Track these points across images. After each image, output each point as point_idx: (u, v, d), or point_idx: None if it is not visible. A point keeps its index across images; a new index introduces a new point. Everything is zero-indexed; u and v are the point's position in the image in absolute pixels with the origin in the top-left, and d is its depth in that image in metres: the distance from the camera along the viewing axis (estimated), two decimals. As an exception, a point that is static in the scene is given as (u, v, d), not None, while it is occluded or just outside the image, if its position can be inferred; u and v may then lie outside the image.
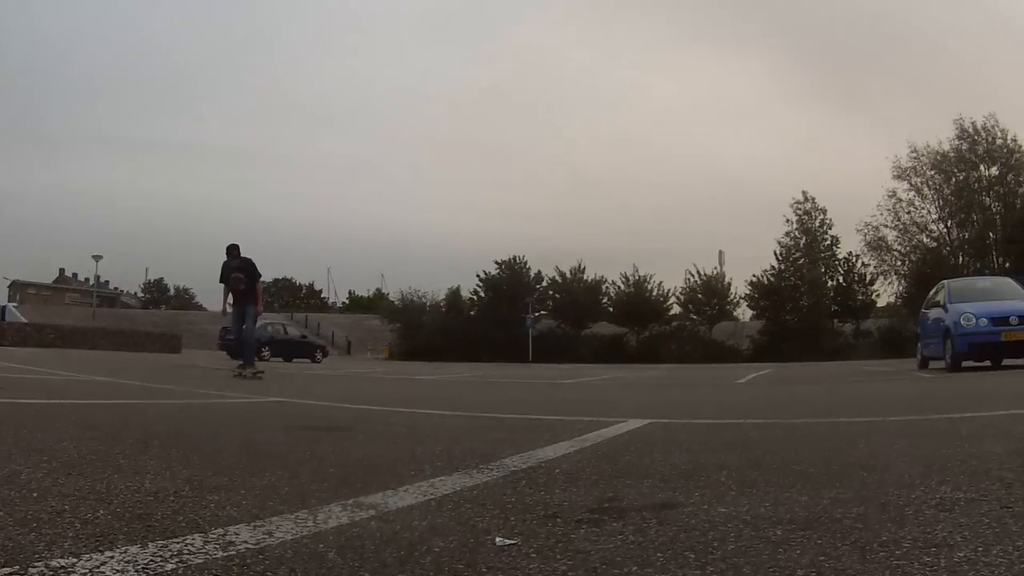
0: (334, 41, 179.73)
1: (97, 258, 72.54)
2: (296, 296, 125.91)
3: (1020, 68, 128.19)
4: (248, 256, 15.18)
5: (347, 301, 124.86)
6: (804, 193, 74.89)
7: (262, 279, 15.79)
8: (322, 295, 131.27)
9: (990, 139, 73.28)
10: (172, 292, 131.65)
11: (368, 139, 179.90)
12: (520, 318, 64.35)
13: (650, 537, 2.37)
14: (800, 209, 73.91)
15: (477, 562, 2.09)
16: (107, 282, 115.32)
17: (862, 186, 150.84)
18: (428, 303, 72.42)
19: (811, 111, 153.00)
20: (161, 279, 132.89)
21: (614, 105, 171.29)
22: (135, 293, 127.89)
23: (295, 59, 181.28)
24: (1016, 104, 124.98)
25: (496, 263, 71.26)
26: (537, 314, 67.17)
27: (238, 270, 14.80)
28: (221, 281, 15.18)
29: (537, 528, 2.49)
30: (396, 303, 74.78)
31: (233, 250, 15.18)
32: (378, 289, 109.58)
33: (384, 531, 2.43)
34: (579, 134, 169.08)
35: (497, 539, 2.34)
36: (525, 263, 71.14)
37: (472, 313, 69.56)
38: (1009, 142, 72.44)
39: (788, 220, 73.94)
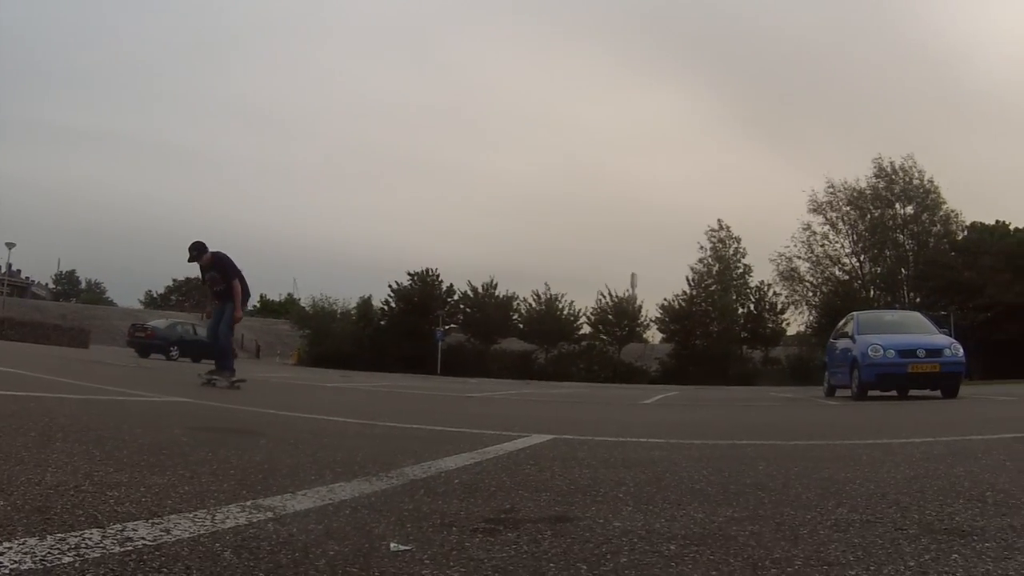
0: (276, 46, 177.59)
1: (10, 245, 70.42)
2: (206, 297, 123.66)
3: (939, 111, 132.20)
4: (220, 251, 13.51)
5: (258, 304, 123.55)
6: (719, 221, 76.49)
7: (237, 278, 13.34)
8: None
9: (907, 179, 75.61)
10: (84, 285, 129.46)
11: (290, 145, 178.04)
12: (430, 330, 64.48)
13: (544, 548, 2.40)
14: (714, 237, 75.45)
15: (370, 566, 2.11)
16: (19, 271, 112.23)
17: (777, 218, 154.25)
18: (339, 311, 72.23)
19: (730, 143, 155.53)
20: (73, 271, 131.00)
21: (539, 126, 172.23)
22: (46, 284, 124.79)
23: (231, 61, 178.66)
24: (934, 147, 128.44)
25: (409, 274, 71.32)
26: (447, 327, 67.35)
27: (211, 269, 13.23)
28: (203, 283, 14.00)
29: (432, 536, 2.51)
30: (307, 309, 74.59)
31: (195, 249, 13.21)
32: (290, 294, 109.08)
33: (280, 533, 2.45)
34: (502, 153, 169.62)
35: (392, 545, 2.35)
36: (437, 276, 71.30)
37: (382, 323, 69.44)
38: (926, 183, 74.92)
39: (702, 247, 75.42)
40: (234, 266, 13.36)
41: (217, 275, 13.19)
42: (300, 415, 8.05)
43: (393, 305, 70.49)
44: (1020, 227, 73.40)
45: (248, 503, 2.89)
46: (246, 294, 13.63)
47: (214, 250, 13.29)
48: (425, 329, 65.68)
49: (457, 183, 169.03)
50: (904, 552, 2.43)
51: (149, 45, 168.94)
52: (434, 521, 2.74)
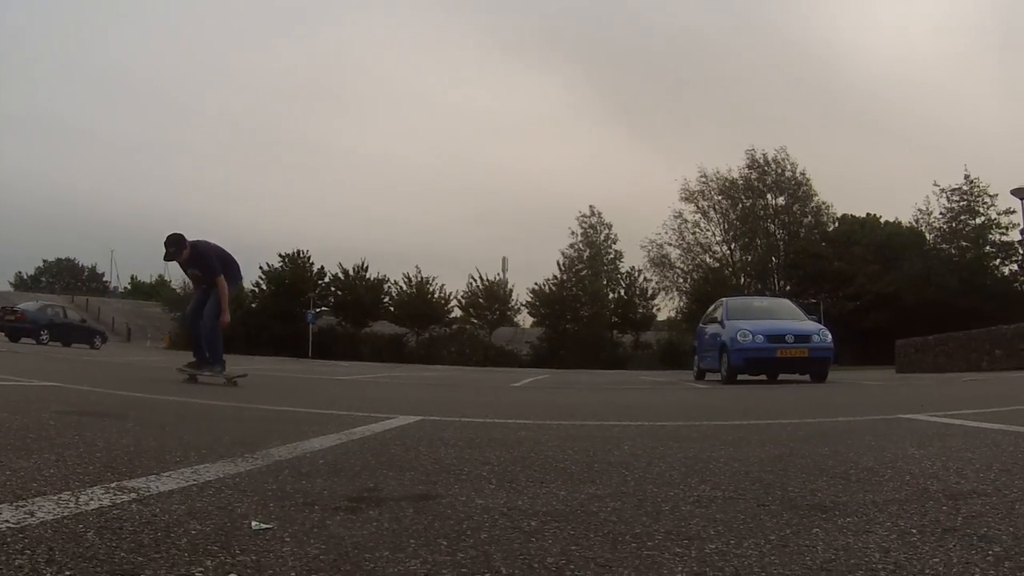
0: (152, 20, 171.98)
1: None
2: (78, 278, 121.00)
3: (812, 108, 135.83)
4: (201, 241, 11.79)
5: (129, 286, 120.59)
6: (591, 207, 77.73)
7: (223, 274, 11.58)
8: (104, 279, 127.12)
9: (779, 171, 77.61)
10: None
11: (163, 122, 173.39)
12: (301, 313, 63.92)
13: (405, 525, 2.42)
14: (586, 223, 76.54)
15: (231, 544, 2.12)
16: None
17: (649, 206, 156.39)
18: None
19: (603, 132, 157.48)
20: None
21: (411, 108, 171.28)
22: None
23: (102, 31, 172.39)
24: (806, 142, 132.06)
25: (280, 256, 70.61)
26: (318, 310, 66.83)
27: (192, 266, 11.51)
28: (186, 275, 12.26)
29: (294, 514, 2.53)
30: (178, 291, 73.02)
31: (172, 245, 11.39)
32: (161, 275, 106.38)
33: (144, 513, 2.45)
34: (374, 134, 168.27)
35: (253, 523, 2.37)
36: (308, 258, 70.73)
37: (253, 306, 68.49)
38: (798, 175, 76.96)
39: (573, 232, 76.29)
40: (217, 259, 11.62)
41: (199, 273, 11.57)
42: (168, 398, 7.97)
43: (264, 287, 69.71)
44: (890, 220, 75.90)
45: (113, 485, 2.88)
46: (234, 281, 11.99)
47: (193, 240, 11.63)
48: (296, 312, 65.17)
49: (328, 164, 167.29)
50: (765, 526, 2.48)
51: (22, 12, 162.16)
52: (297, 500, 2.76)
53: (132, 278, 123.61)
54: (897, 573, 1.95)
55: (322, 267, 70.90)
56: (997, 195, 66.79)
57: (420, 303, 68.36)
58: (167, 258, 11.43)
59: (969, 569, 1.97)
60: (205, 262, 11.43)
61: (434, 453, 4.18)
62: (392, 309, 70.54)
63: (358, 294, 68.89)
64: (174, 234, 11.45)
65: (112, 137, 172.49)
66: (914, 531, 2.39)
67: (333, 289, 70.78)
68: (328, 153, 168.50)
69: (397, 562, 2.01)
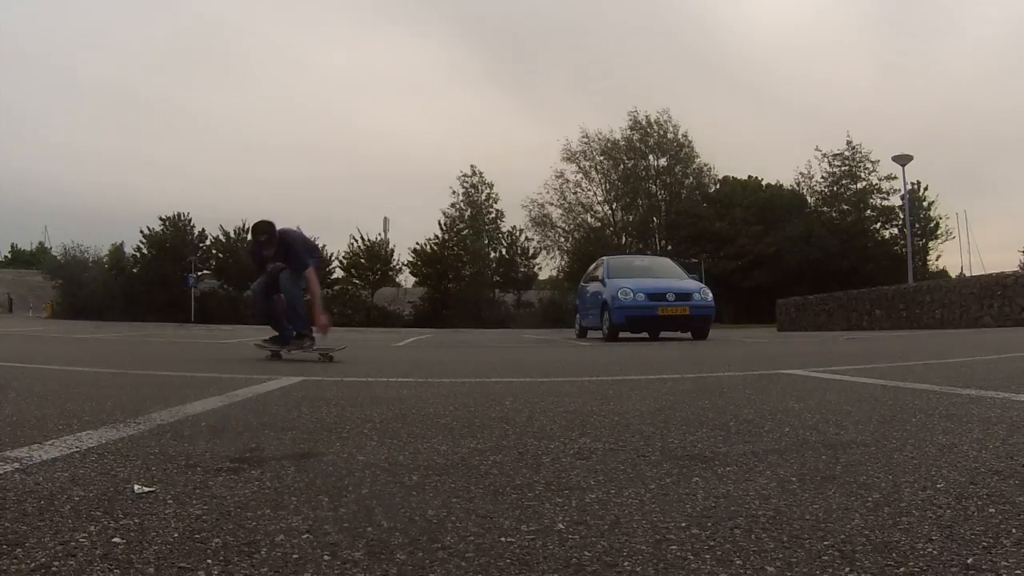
0: None
1: None
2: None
3: (694, 71, 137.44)
4: (288, 229, 10.57)
5: (8, 255, 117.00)
6: (472, 167, 77.79)
7: (312, 266, 10.37)
8: None
9: (662, 132, 78.53)
10: None
11: (29, 86, 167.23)
12: (183, 277, 62.98)
13: (287, 483, 2.45)
14: (467, 182, 76.70)
15: (115, 509, 2.11)
16: None
17: (530, 167, 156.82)
18: (91, 259, 69.69)
19: (482, 92, 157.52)
20: None
21: (292, 72, 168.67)
22: None
23: None
24: (689, 104, 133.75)
25: (160, 219, 69.39)
26: (200, 274, 65.99)
27: (278, 258, 10.16)
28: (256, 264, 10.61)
29: (177, 477, 2.54)
30: (59, 258, 71.47)
31: (264, 233, 10.10)
32: (41, 243, 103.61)
33: (27, 483, 2.44)
34: (255, 98, 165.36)
35: (136, 487, 2.37)
36: (190, 220, 69.79)
37: (135, 271, 67.33)
38: (680, 137, 77.98)
39: (454, 192, 76.32)
40: (305, 249, 10.44)
41: (283, 264, 10.18)
42: (49, 367, 7.87)
43: (145, 252, 68.50)
44: (772, 183, 77.39)
45: None
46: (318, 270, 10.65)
47: (280, 228, 10.38)
48: (178, 276, 64.69)
49: (207, 127, 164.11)
50: (645, 476, 2.51)
51: None
52: (179, 463, 2.76)
53: (12, 246, 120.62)
54: (777, 519, 1.98)
55: (203, 230, 70.24)
56: (879, 161, 68.80)
57: (301, 264, 67.68)
58: (258, 249, 10.30)
59: (849, 515, 2.00)
60: (295, 253, 10.23)
61: (315, 412, 4.19)
62: (274, 271, 69.78)
63: (239, 257, 68.08)
64: (266, 222, 10.21)
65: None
66: (794, 479, 2.43)
67: (215, 252, 69.99)
68: (206, 117, 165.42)
69: (279, 519, 2.01)
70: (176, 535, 1.86)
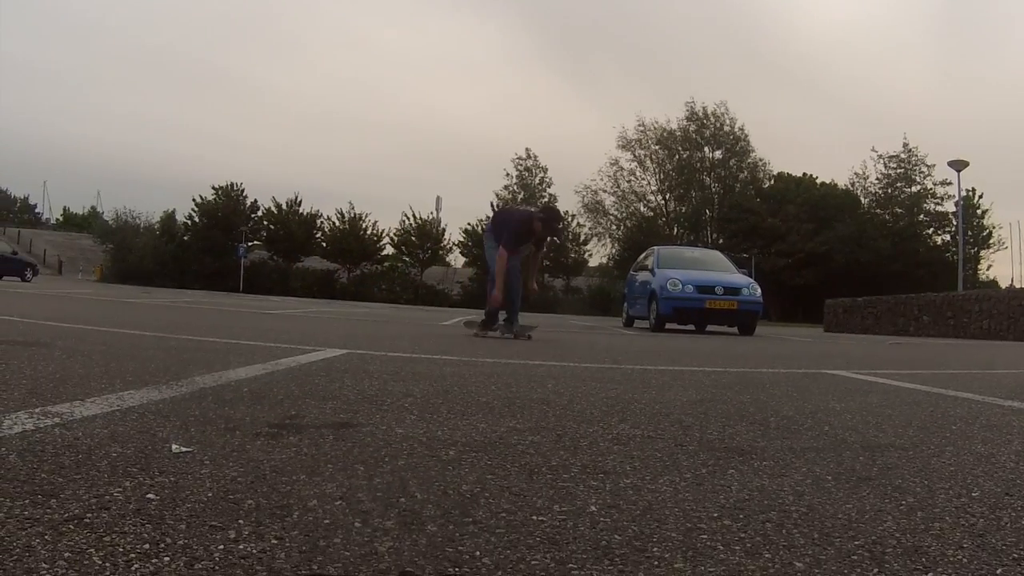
0: None
1: None
2: (9, 210, 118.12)
3: (755, 66, 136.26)
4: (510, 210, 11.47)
5: (61, 218, 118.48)
6: (527, 150, 77.89)
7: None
8: (36, 210, 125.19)
9: (718, 124, 78.18)
10: None
11: (92, 54, 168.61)
12: (233, 247, 63.65)
13: (324, 451, 2.45)
14: (521, 165, 76.57)
15: (151, 466, 2.12)
16: None
17: (585, 152, 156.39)
18: (142, 225, 70.29)
19: (540, 76, 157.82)
20: None
21: (350, 48, 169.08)
22: None
23: None
24: (745, 98, 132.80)
25: (213, 189, 69.95)
26: (250, 244, 66.46)
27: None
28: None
29: (215, 439, 2.54)
30: (111, 223, 72.18)
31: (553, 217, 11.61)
32: (93, 207, 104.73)
33: (66, 437, 2.44)
34: (312, 72, 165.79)
35: (173, 447, 2.38)
36: (242, 191, 70.25)
37: (186, 238, 67.88)
38: (736, 130, 77.53)
39: (508, 174, 76.41)
40: (506, 230, 11.08)
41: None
42: (97, 328, 7.92)
43: (197, 220, 69.05)
44: (826, 181, 76.72)
45: (37, 410, 2.86)
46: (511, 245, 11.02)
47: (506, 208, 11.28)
48: (228, 246, 65.06)
49: (263, 99, 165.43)
50: (681, 465, 2.50)
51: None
52: (218, 426, 2.76)
53: (64, 210, 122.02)
54: (810, 515, 1.97)
55: (255, 200, 70.67)
56: (935, 165, 68.19)
57: (352, 239, 68.28)
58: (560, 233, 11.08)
59: (881, 516, 1.98)
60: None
61: (358, 384, 4.20)
62: (324, 245, 70.48)
63: (290, 229, 68.66)
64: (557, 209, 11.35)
65: (44, 68, 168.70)
66: (829, 478, 2.41)
67: (266, 223, 70.51)
68: (265, 90, 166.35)
69: (313, 485, 2.02)
70: (210, 495, 1.87)
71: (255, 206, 70.38)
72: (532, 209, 11.90)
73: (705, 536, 1.76)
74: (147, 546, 1.49)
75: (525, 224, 11.02)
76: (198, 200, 69.44)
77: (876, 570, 1.58)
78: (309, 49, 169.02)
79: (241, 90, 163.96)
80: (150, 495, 1.85)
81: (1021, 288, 37.16)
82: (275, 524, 1.68)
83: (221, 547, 1.52)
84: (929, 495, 2.25)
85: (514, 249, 10.92)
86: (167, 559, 1.43)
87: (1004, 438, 3.38)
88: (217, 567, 1.41)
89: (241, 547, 1.52)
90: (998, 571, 1.61)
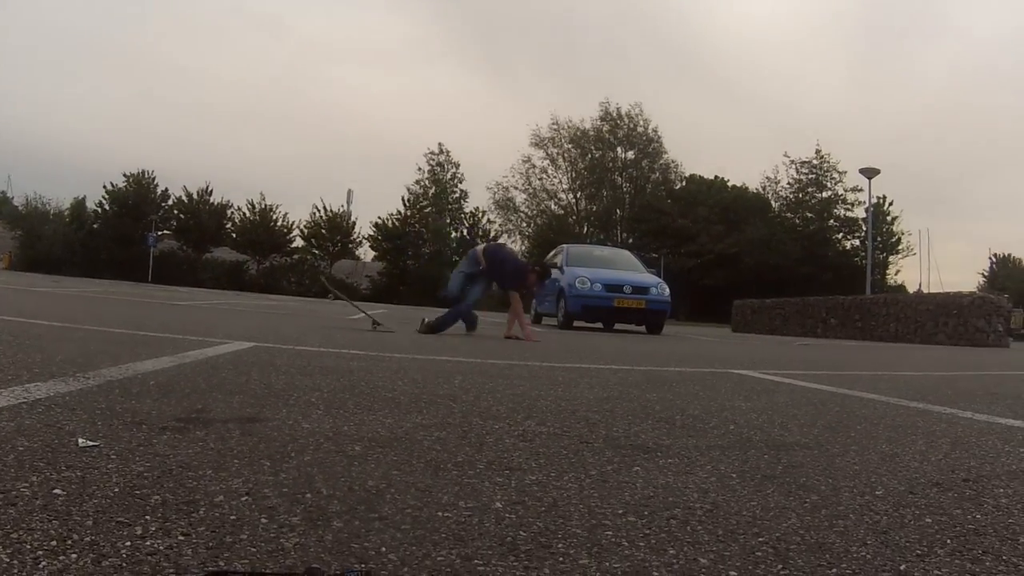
0: None
1: None
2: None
3: (670, 69, 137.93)
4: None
5: None
6: (440, 145, 77.68)
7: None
8: None
9: (632, 125, 79.10)
10: None
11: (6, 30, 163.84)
12: (143, 236, 62.72)
13: (230, 445, 2.45)
14: (434, 160, 76.63)
15: (58, 461, 2.11)
16: None
17: (499, 149, 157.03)
18: (52, 212, 69.01)
19: (457, 73, 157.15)
20: None
21: (258, 36, 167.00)
22: None
23: None
24: (660, 101, 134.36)
25: (124, 176, 68.84)
26: (160, 233, 65.62)
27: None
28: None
29: (122, 433, 2.52)
30: (20, 209, 70.70)
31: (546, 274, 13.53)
32: (3, 192, 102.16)
33: None
34: (224, 60, 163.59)
35: (80, 441, 2.36)
36: (154, 179, 69.25)
37: (96, 226, 66.70)
38: (650, 131, 78.44)
39: (420, 168, 76.28)
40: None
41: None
42: (1, 318, 7.78)
43: (107, 207, 67.88)
44: (737, 185, 77.93)
45: None
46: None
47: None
48: (138, 235, 64.27)
49: (176, 86, 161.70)
50: (587, 462, 2.51)
51: None
52: (125, 419, 2.74)
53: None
54: (714, 512, 1.98)
55: (166, 189, 69.84)
56: (846, 172, 69.60)
57: (262, 231, 68.05)
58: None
59: (786, 514, 2.01)
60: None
61: (265, 378, 4.19)
62: (234, 236, 69.93)
63: (201, 219, 68.11)
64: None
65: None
66: (734, 476, 2.44)
67: (176, 212, 69.65)
68: (178, 77, 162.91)
69: (220, 480, 2.01)
70: (117, 490, 1.85)
71: (166, 195, 69.69)
72: (526, 260, 13.71)
73: (610, 532, 1.77)
74: (54, 543, 1.47)
75: (521, 273, 12.47)
76: (109, 187, 68.39)
77: (780, 567, 1.60)
78: (225, 36, 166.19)
79: (153, 75, 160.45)
80: (57, 490, 1.82)
81: (929, 293, 38.05)
82: (182, 520, 1.67)
83: (128, 543, 1.50)
84: (833, 493, 2.28)
85: (510, 287, 12.35)
86: (74, 556, 1.41)
87: (908, 438, 3.45)
88: (124, 564, 1.40)
89: (148, 543, 1.51)
90: (901, 567, 1.64)
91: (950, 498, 2.31)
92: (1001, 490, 2.46)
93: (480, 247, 12.97)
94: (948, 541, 1.85)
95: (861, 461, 2.81)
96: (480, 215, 75.18)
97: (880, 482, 2.47)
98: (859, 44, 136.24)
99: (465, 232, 72.97)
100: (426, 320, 11.96)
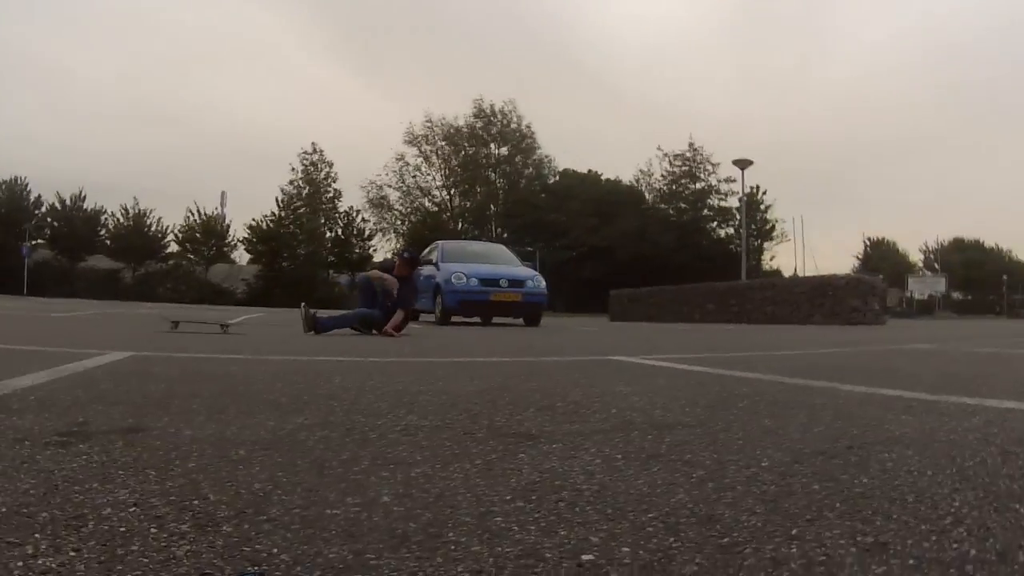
0: None
1: None
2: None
3: (544, 64, 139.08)
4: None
5: None
6: (313, 144, 77.58)
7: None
8: None
9: (505, 122, 79.55)
10: None
11: None
12: (16, 246, 60.69)
13: (114, 457, 2.41)
14: (307, 160, 76.45)
15: None
16: None
17: (373, 148, 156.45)
18: None
19: (330, 69, 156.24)
20: None
21: (130, 33, 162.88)
22: None
23: None
24: (534, 97, 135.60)
25: (-5, 181, 66.45)
26: (34, 243, 63.89)
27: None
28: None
29: (5, 450, 2.48)
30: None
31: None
32: None
33: None
34: (94, 56, 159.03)
35: None
36: (27, 186, 67.23)
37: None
38: (523, 128, 79.08)
39: (294, 169, 75.86)
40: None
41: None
42: None
43: (-24, 217, 65.69)
44: (611, 178, 78.99)
45: None
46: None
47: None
48: (11, 245, 62.15)
49: (44, 83, 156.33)
50: (471, 452, 2.51)
51: None
52: (7, 436, 2.69)
53: None
54: (602, 493, 1.99)
55: (39, 196, 68.04)
56: (719, 164, 71.46)
57: (136, 237, 67.31)
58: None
59: (673, 489, 2.03)
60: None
61: (144, 387, 4.12)
62: (108, 243, 68.67)
63: (75, 226, 66.73)
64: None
65: None
66: (619, 456, 2.46)
67: (49, 220, 67.97)
68: (47, 74, 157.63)
69: (107, 492, 1.97)
70: (3, 509, 1.80)
71: (39, 202, 67.95)
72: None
73: (499, 519, 1.77)
74: (-59, 567, 1.42)
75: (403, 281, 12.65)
76: (-23, 196, 66.24)
77: (672, 539, 1.61)
78: (90, 29, 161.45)
79: (21, 72, 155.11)
80: (-59, 514, 1.76)
81: (804, 277, 39.09)
82: (72, 535, 1.62)
83: (20, 563, 1.46)
84: (719, 467, 2.31)
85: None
86: (-35, 580, 1.36)
87: (790, 412, 3.52)
88: (19, 584, 1.35)
89: (40, 562, 1.46)
90: (793, 531, 1.67)
91: (836, 465, 2.36)
92: (886, 455, 2.52)
93: (370, 274, 13.10)
94: (837, 505, 1.90)
95: (745, 436, 2.85)
96: (354, 214, 74.92)
97: (765, 454, 2.52)
98: (734, 41, 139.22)
99: (340, 232, 72.61)
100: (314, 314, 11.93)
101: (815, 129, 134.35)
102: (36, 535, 1.62)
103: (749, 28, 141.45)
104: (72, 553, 1.51)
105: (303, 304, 12.15)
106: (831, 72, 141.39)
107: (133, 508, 1.83)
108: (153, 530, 1.67)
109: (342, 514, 1.80)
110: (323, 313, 12.27)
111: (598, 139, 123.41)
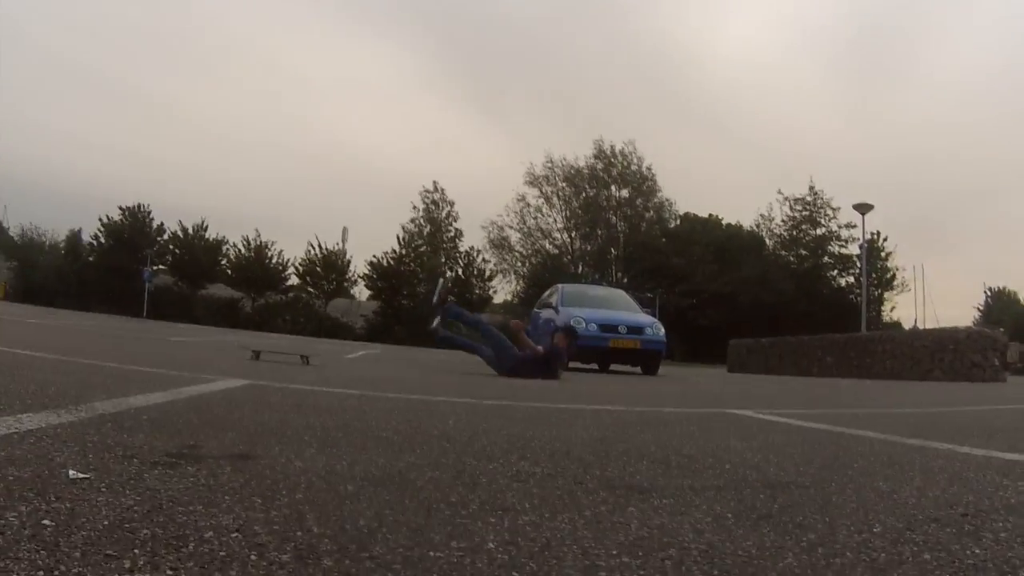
0: None
1: None
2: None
3: (663, 106, 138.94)
4: None
5: None
6: (435, 183, 78.24)
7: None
8: None
9: (626, 163, 79.47)
10: None
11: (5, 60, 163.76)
12: (138, 270, 62.79)
13: (221, 482, 2.42)
14: (428, 198, 77.26)
15: (48, 492, 2.09)
16: None
17: (494, 187, 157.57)
18: (48, 243, 69.33)
19: (451, 110, 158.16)
20: None
21: (261, 71, 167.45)
22: None
23: None
24: (653, 139, 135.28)
25: (120, 209, 69.07)
26: (155, 268, 65.77)
27: None
28: None
29: (113, 466, 2.51)
30: (15, 239, 70.96)
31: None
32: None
33: None
34: (223, 94, 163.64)
35: (71, 472, 2.35)
36: (149, 213, 69.65)
37: (91, 259, 66.95)
38: (644, 170, 78.91)
39: (415, 207, 76.72)
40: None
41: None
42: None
43: (102, 240, 68.24)
44: (731, 223, 78.23)
45: None
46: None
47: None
48: (133, 269, 64.18)
49: (172, 119, 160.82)
50: (581, 503, 2.49)
51: None
52: (117, 453, 2.73)
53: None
54: (709, 552, 1.97)
55: (162, 223, 70.17)
56: (839, 208, 70.08)
57: (257, 267, 68.44)
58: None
59: (782, 553, 2.00)
60: None
61: (258, 416, 4.18)
62: (229, 272, 70.15)
63: (196, 254, 68.47)
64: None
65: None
66: (729, 515, 2.42)
67: (171, 247, 70.06)
68: (175, 110, 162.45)
69: (210, 516, 1.99)
70: (106, 523, 1.84)
71: (161, 229, 69.93)
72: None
73: (604, 573, 1.76)
74: (41, 573, 1.46)
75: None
76: (104, 220, 68.59)
77: (776, 606, 1.59)
78: (220, 69, 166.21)
79: (150, 107, 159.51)
80: (45, 521, 1.81)
81: (924, 329, 38.11)
82: (171, 555, 1.65)
83: None
84: (830, 531, 2.26)
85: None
86: (62, 587, 1.39)
87: (906, 475, 3.43)
88: (113, 597, 1.37)
89: None
90: (899, 604, 1.63)
91: (948, 534, 2.30)
92: (1000, 524, 2.45)
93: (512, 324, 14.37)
94: (946, 577, 1.84)
95: (858, 499, 2.80)
96: (475, 254, 75.37)
97: (878, 519, 2.46)
98: (850, 78, 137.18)
99: (460, 272, 73.06)
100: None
101: (933, 172, 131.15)
102: (135, 551, 1.65)
103: (859, 67, 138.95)
104: (169, 571, 1.54)
105: (441, 280, 12.66)
106: (952, 115, 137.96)
107: (235, 534, 1.85)
108: (253, 557, 1.69)
109: (445, 557, 1.80)
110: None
111: (716, 182, 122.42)
